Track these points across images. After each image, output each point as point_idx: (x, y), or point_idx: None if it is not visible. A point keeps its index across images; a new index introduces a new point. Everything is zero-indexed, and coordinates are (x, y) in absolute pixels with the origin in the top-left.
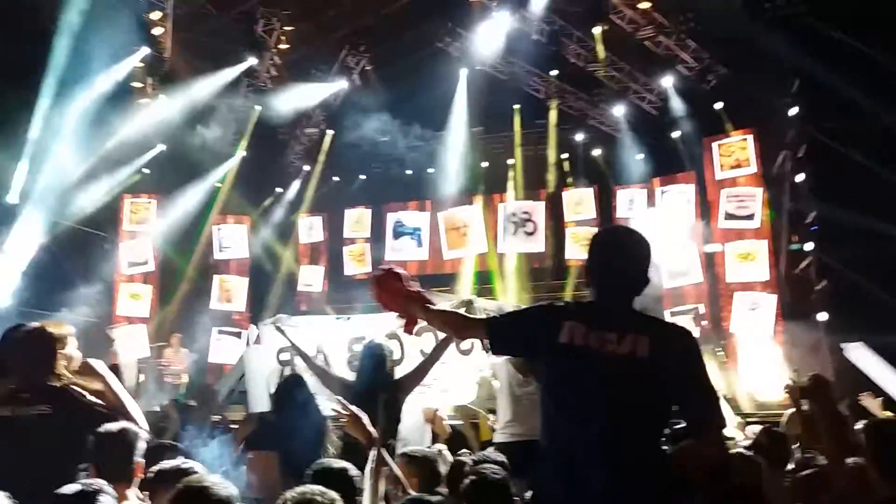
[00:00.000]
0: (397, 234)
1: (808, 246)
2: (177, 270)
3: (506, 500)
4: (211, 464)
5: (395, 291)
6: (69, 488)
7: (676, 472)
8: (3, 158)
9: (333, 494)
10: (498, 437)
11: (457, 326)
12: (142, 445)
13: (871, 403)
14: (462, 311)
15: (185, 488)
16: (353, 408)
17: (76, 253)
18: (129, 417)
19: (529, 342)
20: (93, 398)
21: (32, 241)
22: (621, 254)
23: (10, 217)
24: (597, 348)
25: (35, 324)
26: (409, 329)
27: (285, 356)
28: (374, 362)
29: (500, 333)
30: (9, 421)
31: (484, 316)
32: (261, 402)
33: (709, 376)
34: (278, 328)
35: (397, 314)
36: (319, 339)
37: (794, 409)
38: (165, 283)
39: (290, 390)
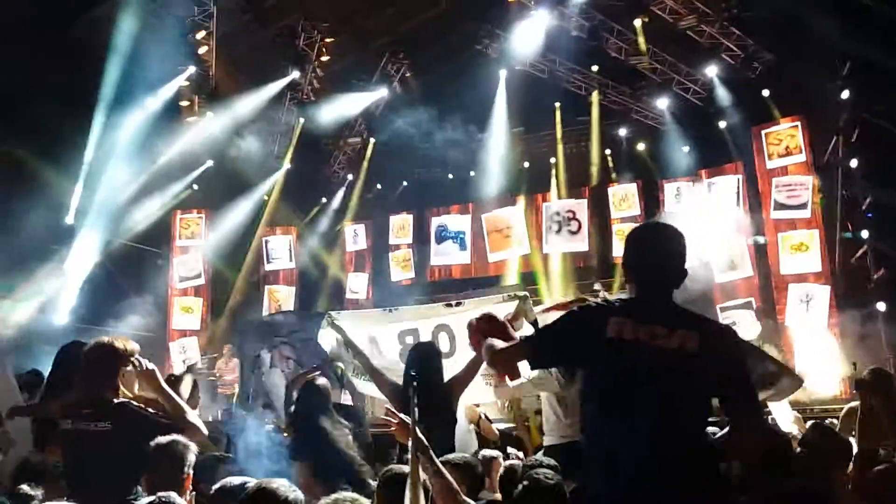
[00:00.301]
0: (441, 239)
1: (864, 234)
2: (227, 282)
3: (559, 502)
4: (252, 445)
5: (484, 332)
6: (143, 502)
7: (722, 461)
8: (60, 181)
9: (364, 501)
10: (547, 440)
11: (496, 360)
12: (191, 458)
13: None
14: (515, 304)
15: (257, 490)
16: (401, 415)
17: (130, 269)
18: (188, 424)
19: (571, 348)
20: (152, 410)
21: (89, 259)
22: (657, 249)
23: (69, 237)
24: (647, 342)
25: (104, 338)
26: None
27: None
28: (423, 364)
29: (539, 348)
30: (70, 433)
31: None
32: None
33: (749, 376)
34: (335, 325)
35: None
36: (371, 331)
37: (852, 404)
38: (217, 295)
39: (306, 401)
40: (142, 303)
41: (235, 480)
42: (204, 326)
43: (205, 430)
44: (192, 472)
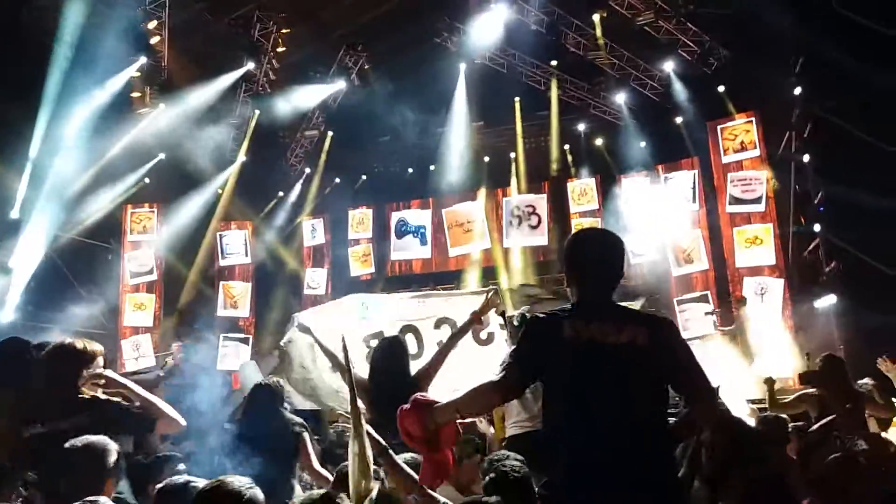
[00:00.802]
0: (401, 234)
1: (816, 227)
2: (181, 278)
3: (526, 494)
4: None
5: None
6: None
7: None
8: (5, 173)
9: (333, 492)
10: (510, 431)
11: (485, 398)
12: (112, 459)
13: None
14: (489, 296)
15: (214, 487)
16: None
17: (80, 264)
18: (163, 414)
19: (538, 359)
20: (123, 401)
21: (35, 254)
22: (603, 249)
23: (14, 231)
24: (601, 339)
25: (65, 340)
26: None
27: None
28: (390, 360)
29: (519, 373)
30: (41, 438)
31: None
32: None
33: (696, 358)
34: (304, 328)
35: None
36: (337, 324)
37: (809, 390)
38: (170, 291)
39: (254, 399)
40: (92, 299)
41: (179, 479)
42: (157, 323)
43: (182, 421)
44: (112, 476)
